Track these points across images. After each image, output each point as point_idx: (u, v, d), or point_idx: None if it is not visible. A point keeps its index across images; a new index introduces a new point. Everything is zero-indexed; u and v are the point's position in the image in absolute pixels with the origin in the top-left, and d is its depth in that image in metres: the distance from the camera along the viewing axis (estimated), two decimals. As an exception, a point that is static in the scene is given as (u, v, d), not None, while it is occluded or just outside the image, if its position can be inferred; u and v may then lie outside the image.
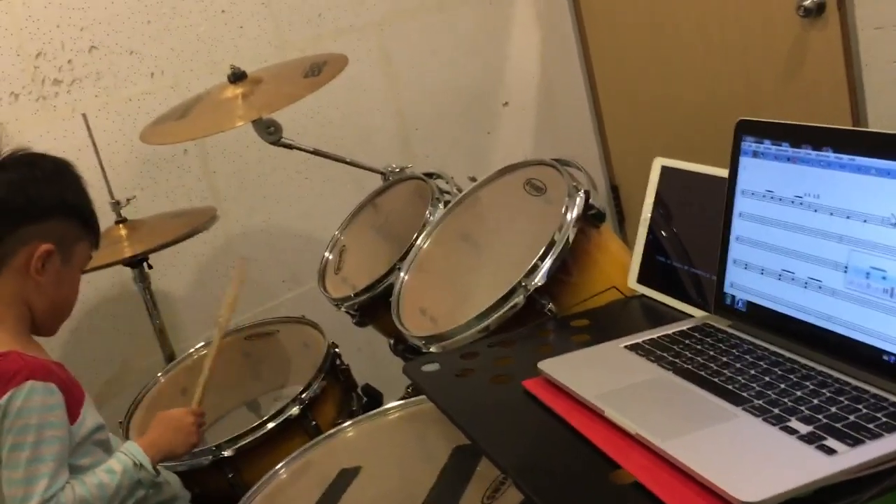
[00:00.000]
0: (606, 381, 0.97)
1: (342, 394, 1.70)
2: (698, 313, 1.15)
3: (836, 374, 0.90)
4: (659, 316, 1.19)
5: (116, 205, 1.92)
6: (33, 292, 1.32)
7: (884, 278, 0.88)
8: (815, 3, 2.13)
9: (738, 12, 2.31)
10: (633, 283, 1.28)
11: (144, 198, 2.14)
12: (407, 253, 1.56)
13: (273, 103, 1.73)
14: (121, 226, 1.90)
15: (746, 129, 1.05)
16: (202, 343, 1.90)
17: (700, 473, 0.77)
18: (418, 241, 1.57)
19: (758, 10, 2.26)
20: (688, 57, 2.47)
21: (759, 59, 2.30)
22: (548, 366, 1.03)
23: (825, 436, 0.80)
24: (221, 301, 1.68)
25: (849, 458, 0.76)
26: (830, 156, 0.94)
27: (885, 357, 0.87)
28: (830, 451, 0.77)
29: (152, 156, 2.16)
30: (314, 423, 1.59)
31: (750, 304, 1.04)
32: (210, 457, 1.53)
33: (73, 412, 1.27)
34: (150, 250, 1.85)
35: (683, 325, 1.09)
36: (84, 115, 1.90)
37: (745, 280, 1.05)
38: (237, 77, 1.80)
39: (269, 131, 1.78)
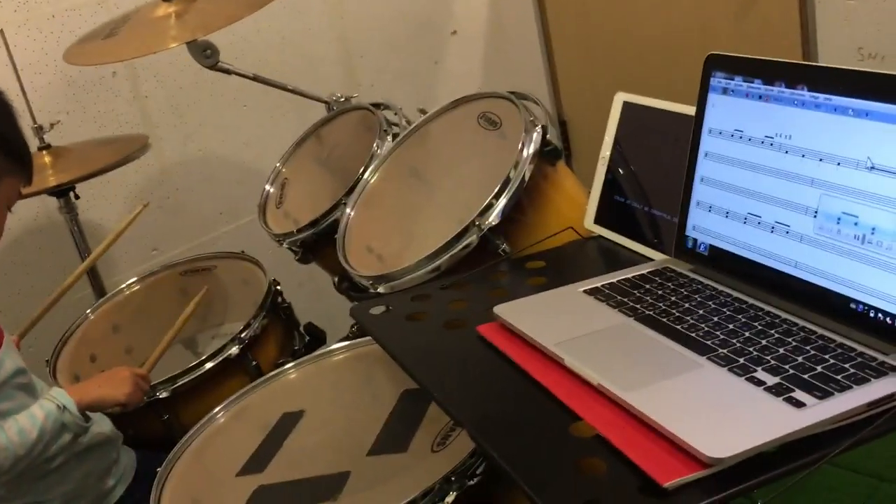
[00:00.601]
0: (565, 327, 0.93)
1: (284, 333, 1.64)
2: (657, 256, 1.11)
3: (801, 323, 0.88)
4: (617, 258, 1.15)
5: (39, 129, 1.79)
6: None
7: (856, 224, 0.84)
8: (773, -63, 2.08)
9: (696, -56, 2.24)
10: (589, 224, 1.23)
11: (70, 123, 2.01)
12: (353, 188, 1.49)
13: (209, 23, 1.61)
14: (44, 152, 1.78)
15: (717, 64, 1.00)
16: (134, 278, 1.81)
17: (665, 427, 0.73)
18: (365, 176, 1.50)
19: (715, -58, 2.20)
20: (642, -11, 2.41)
21: (714, -6, 2.25)
22: (504, 310, 0.98)
23: (793, 388, 0.77)
24: None
25: (818, 411, 0.73)
26: (805, 94, 0.89)
27: (853, 305, 0.85)
28: (799, 405, 0.75)
29: (78, 78, 2.02)
30: (255, 363, 1.53)
31: (713, 248, 1.01)
32: (144, 398, 1.46)
33: None
34: (76, 179, 1.74)
35: (643, 269, 1.05)
36: (1, 31, 1.75)
37: (708, 223, 1.01)
38: (170, -6, 1.67)
39: (206, 54, 1.66)
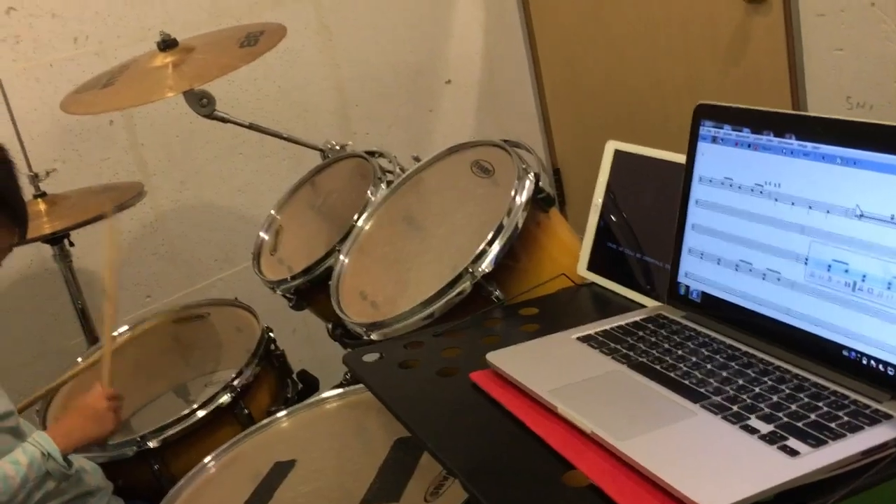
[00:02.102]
0: (559, 374, 0.93)
1: (277, 380, 1.63)
2: (650, 303, 1.11)
3: (794, 370, 0.87)
4: (610, 305, 1.15)
5: (35, 178, 1.80)
6: None
7: (846, 271, 0.85)
8: (761, -12, 2.12)
9: (685, -4, 2.29)
10: (582, 271, 1.24)
11: (66, 171, 2.02)
12: (347, 235, 1.50)
13: (206, 73, 1.63)
14: (39, 200, 1.79)
15: (706, 113, 1.01)
16: (126, 327, 1.80)
17: (660, 476, 0.73)
18: (359, 223, 1.50)
19: (704, -6, 2.24)
20: (631, 39, 2.45)
21: (702, 44, 2.29)
22: (497, 358, 0.97)
23: (787, 436, 0.77)
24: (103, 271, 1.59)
25: (812, 460, 0.73)
26: (794, 143, 0.91)
27: (846, 353, 0.85)
28: (793, 453, 0.74)
29: (75, 126, 2.04)
30: (246, 411, 1.51)
31: (705, 295, 1.01)
32: (134, 448, 1.44)
33: None
34: (71, 227, 1.74)
35: (636, 316, 1.05)
36: (-1, 81, 1.78)
37: (700, 270, 1.02)
38: (168, 45, 1.70)
39: (202, 103, 1.68)
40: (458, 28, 2.67)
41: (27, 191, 1.76)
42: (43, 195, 1.80)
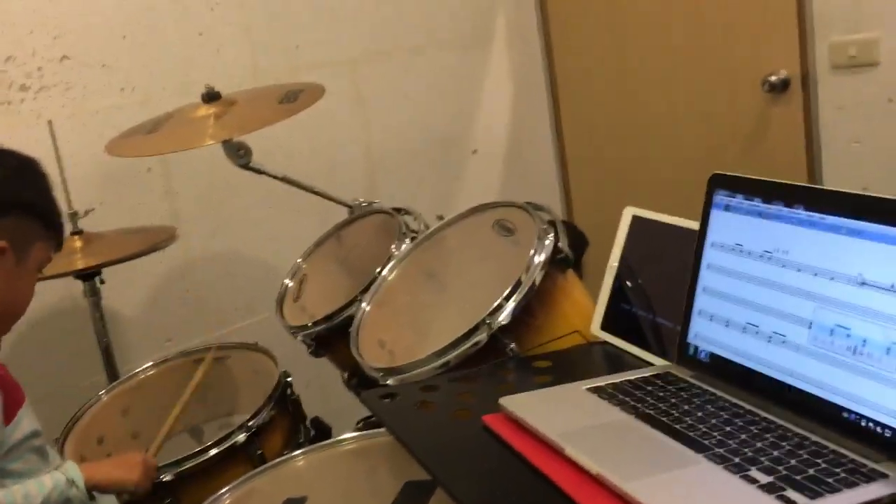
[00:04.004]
0: (568, 420, 0.96)
1: (291, 425, 1.66)
2: (660, 362, 1.15)
3: (795, 429, 0.91)
4: (621, 363, 1.19)
5: (74, 215, 1.87)
6: None
7: (848, 336, 0.89)
8: (781, 80, 2.21)
9: (706, 83, 2.37)
10: (596, 330, 1.28)
11: (104, 213, 2.10)
12: (370, 285, 1.55)
13: (245, 125, 1.72)
14: (76, 237, 1.86)
15: (720, 182, 1.07)
16: (149, 363, 1.85)
17: (661, 516, 0.76)
18: (382, 274, 1.56)
19: (725, 82, 2.33)
20: (654, 122, 2.53)
21: (722, 130, 2.36)
22: (509, 402, 1.01)
23: (785, 487, 0.80)
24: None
25: (809, 510, 0.76)
26: (802, 213, 0.96)
27: (845, 415, 0.88)
28: (790, 503, 0.77)
29: (115, 171, 2.13)
30: (260, 451, 1.54)
31: (713, 356, 1.05)
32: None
33: (8, 412, 1.23)
34: (104, 264, 1.80)
35: (646, 373, 1.09)
36: (50, 122, 1.86)
37: (709, 331, 1.06)
38: (211, 97, 1.79)
39: (239, 154, 1.76)
40: (487, 101, 2.77)
41: (66, 227, 1.84)
42: (80, 232, 1.87)
